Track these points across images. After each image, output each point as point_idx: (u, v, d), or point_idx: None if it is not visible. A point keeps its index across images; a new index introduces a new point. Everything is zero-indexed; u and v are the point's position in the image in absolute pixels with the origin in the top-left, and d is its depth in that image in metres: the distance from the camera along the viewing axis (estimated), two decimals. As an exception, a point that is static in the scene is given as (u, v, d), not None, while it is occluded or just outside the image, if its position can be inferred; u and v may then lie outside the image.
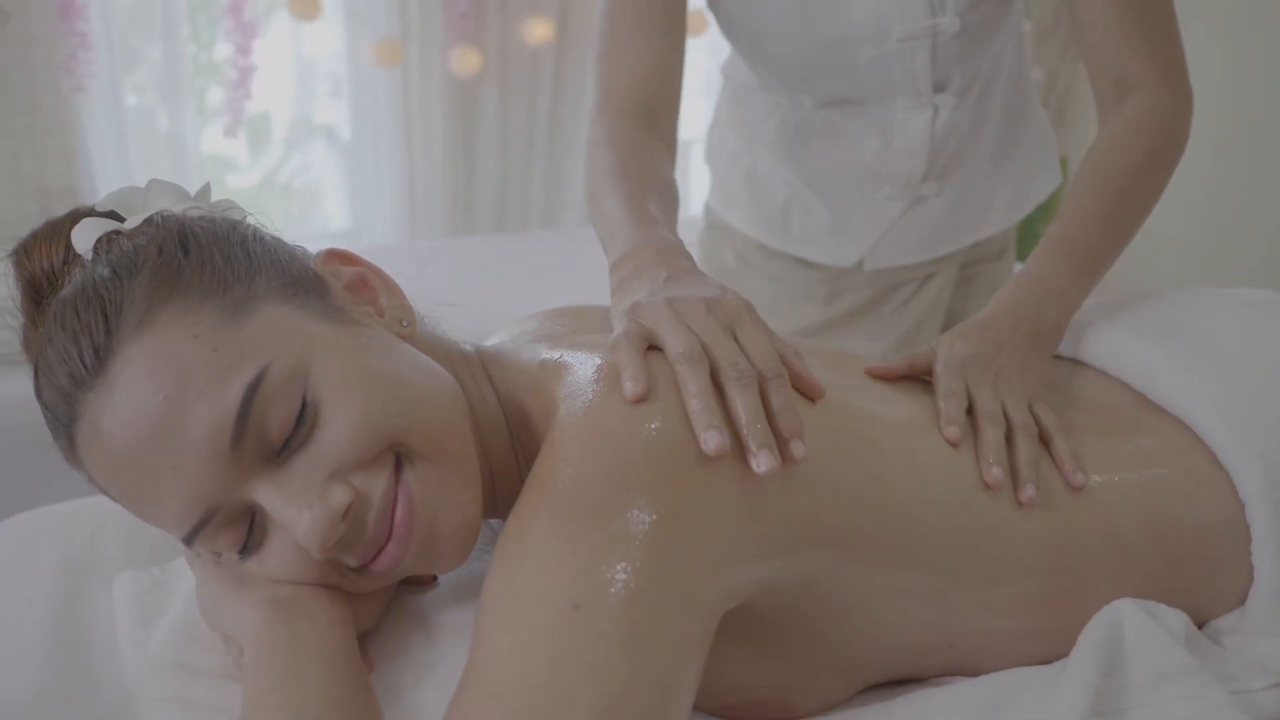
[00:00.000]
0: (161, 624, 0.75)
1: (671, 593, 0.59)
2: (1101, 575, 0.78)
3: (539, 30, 3.38)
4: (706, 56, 3.71)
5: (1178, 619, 0.76)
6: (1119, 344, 0.93)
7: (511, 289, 2.37)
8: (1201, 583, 0.82)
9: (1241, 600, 0.83)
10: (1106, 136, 1.01)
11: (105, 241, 0.67)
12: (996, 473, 0.75)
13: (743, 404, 0.64)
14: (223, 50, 3.15)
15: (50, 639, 0.82)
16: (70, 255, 0.67)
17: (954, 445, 0.77)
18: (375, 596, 0.70)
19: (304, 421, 0.62)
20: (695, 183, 4.03)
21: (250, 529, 0.64)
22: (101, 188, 3.02)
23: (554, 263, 2.89)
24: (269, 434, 0.62)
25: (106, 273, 0.64)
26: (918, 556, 0.72)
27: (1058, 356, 0.98)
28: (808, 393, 0.72)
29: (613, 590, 0.57)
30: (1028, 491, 0.76)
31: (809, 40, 1.15)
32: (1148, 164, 0.99)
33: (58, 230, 0.69)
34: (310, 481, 0.62)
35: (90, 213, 0.70)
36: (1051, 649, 0.77)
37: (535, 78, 3.47)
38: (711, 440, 0.61)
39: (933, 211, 1.32)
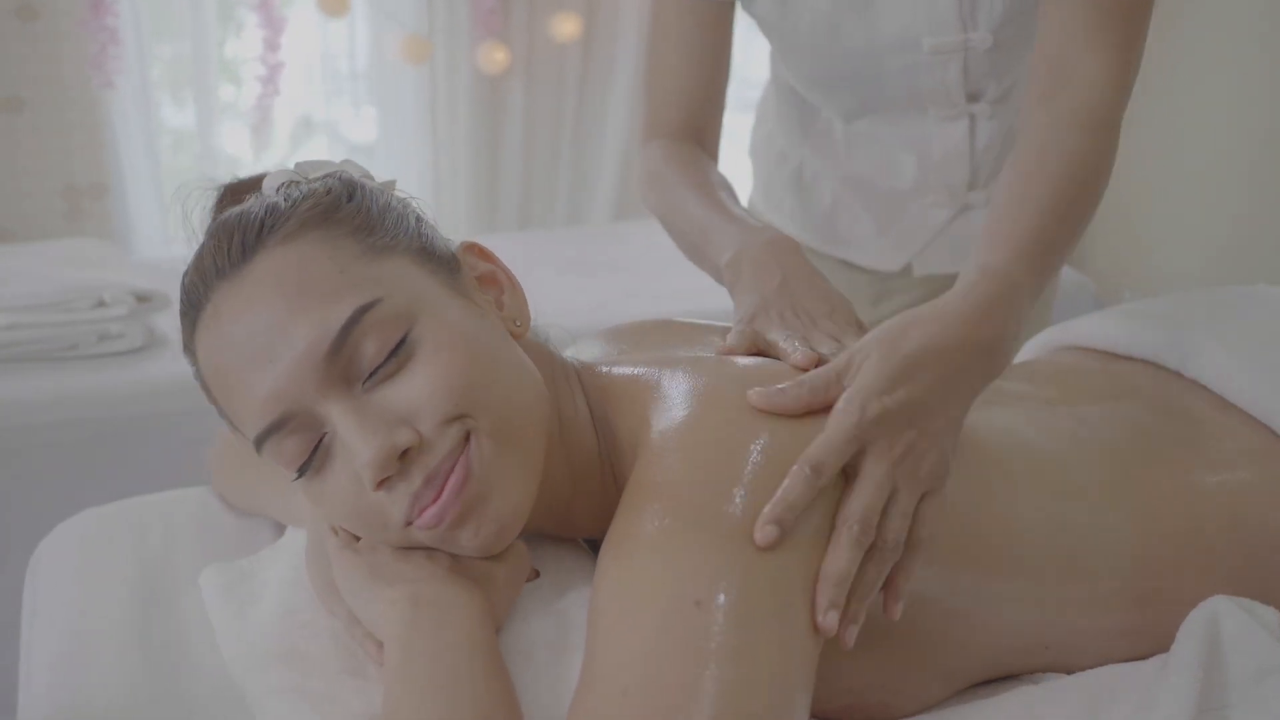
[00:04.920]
0: (258, 613, 0.75)
1: (785, 589, 0.60)
2: (1188, 575, 0.79)
3: (567, 27, 3.37)
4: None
5: (1272, 616, 0.77)
6: (1194, 346, 0.92)
7: (536, 287, 2.37)
8: (1286, 582, 0.82)
9: (1325, 599, 0.83)
10: (1046, 124, 0.89)
11: (287, 185, 0.74)
12: (831, 617, 0.61)
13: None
14: (251, 48, 3.14)
15: (136, 636, 0.83)
16: (259, 195, 0.75)
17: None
18: (508, 591, 0.71)
19: (396, 356, 0.66)
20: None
21: (315, 450, 0.67)
22: (129, 185, 3.01)
23: (580, 260, 2.89)
24: (361, 358, 0.66)
25: (277, 199, 0.72)
26: (1016, 563, 0.73)
27: (1128, 357, 0.97)
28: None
29: (730, 587, 0.58)
30: (847, 635, 0.64)
31: (837, 48, 1.15)
32: (1092, 160, 0.88)
33: (257, 179, 0.78)
34: (382, 416, 0.65)
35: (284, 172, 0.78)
36: (1142, 646, 0.78)
37: (562, 75, 3.45)
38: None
39: (981, 219, 1.30)
